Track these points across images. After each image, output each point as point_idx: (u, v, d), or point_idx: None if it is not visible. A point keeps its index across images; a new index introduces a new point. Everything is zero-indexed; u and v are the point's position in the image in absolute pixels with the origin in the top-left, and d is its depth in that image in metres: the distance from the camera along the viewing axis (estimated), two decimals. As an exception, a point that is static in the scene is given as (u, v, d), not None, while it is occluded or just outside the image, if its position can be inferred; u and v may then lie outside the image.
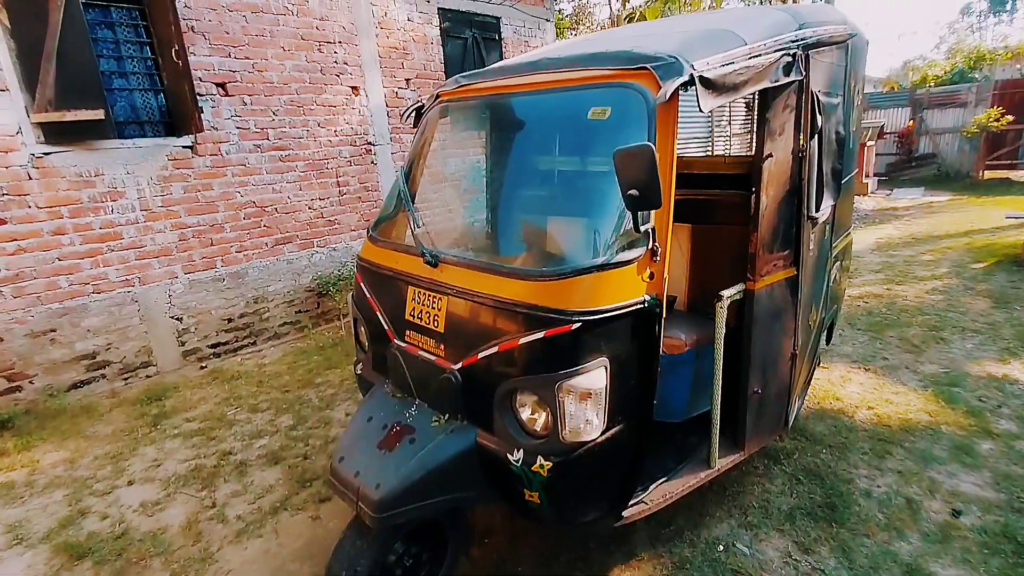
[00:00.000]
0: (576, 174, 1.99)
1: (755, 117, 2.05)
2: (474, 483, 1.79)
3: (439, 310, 1.87)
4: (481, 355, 1.73)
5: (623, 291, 1.60)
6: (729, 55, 1.79)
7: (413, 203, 2.20)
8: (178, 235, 4.55)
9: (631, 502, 1.99)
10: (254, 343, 5.14)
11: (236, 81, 4.68)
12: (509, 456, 1.68)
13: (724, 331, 2.15)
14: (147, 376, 4.53)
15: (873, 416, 3.34)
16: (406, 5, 5.72)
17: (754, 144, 2.11)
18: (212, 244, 4.75)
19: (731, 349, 2.22)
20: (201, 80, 4.47)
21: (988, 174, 11.71)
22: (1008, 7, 25.40)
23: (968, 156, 11.95)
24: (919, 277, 5.90)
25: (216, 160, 4.66)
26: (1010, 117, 10.78)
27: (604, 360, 1.58)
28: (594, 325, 1.55)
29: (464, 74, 2.36)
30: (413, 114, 2.47)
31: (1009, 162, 11.54)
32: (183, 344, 4.71)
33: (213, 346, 4.89)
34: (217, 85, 4.58)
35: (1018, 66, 13.25)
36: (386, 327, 2.13)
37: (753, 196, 2.12)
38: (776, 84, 1.94)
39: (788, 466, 2.91)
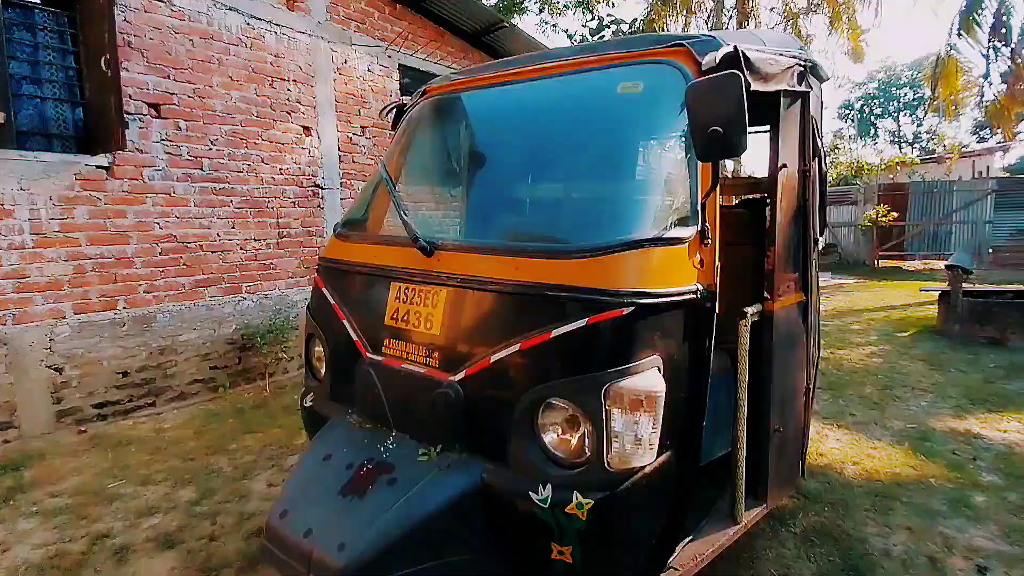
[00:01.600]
0: (605, 148, 1.75)
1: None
2: (478, 540, 1.32)
3: (434, 307, 1.48)
4: (495, 358, 1.34)
5: (675, 275, 1.32)
6: (757, 47, 1.70)
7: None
8: (74, 266, 3.81)
9: (664, 568, 1.58)
10: (152, 404, 4.26)
11: (172, 104, 4.24)
12: (532, 495, 1.25)
13: (748, 354, 1.91)
14: (4, 441, 3.54)
15: (862, 471, 3.18)
16: (367, 57, 5.67)
17: (768, 155, 2.00)
18: (116, 280, 4.02)
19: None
20: (131, 98, 4.00)
21: (882, 263, 13.14)
22: (871, 133, 30.64)
23: (864, 247, 13.43)
24: (856, 343, 6.16)
25: (136, 185, 4.08)
26: (895, 214, 12.35)
27: (657, 360, 1.26)
28: (648, 311, 1.24)
29: (456, 71, 2.16)
30: (393, 111, 2.20)
31: (898, 253, 13.05)
32: (59, 401, 3.78)
33: (99, 406, 3.98)
34: (149, 105, 4.11)
35: (891, 176, 15.48)
36: (355, 338, 1.69)
37: (769, 208, 1.99)
38: (792, 89, 1.89)
39: (795, 526, 2.62)
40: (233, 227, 4.68)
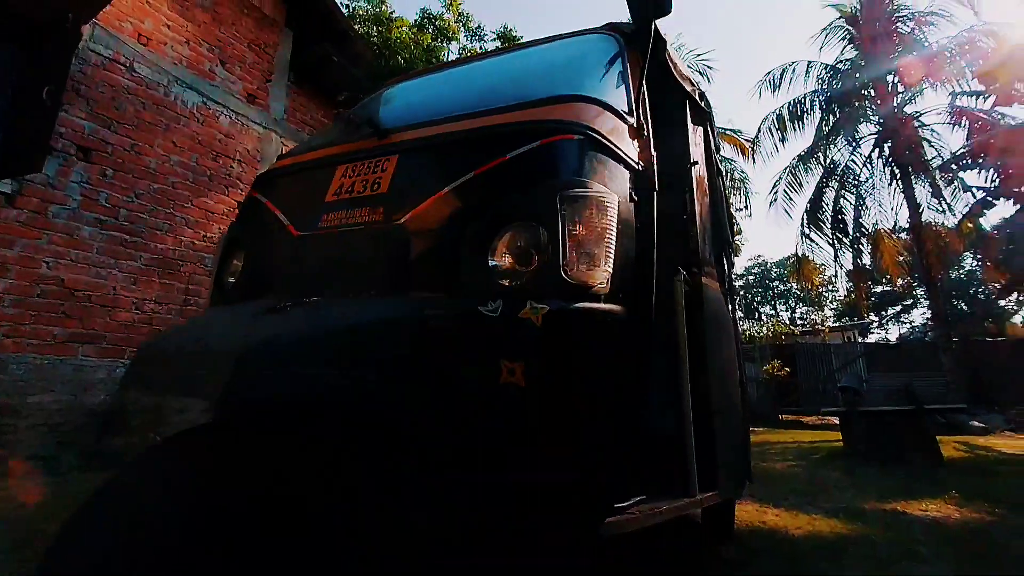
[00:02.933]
0: (554, 65, 1.87)
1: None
2: (413, 371, 1.08)
3: (383, 171, 1.42)
4: (447, 190, 1.27)
5: (619, 139, 1.41)
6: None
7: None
8: (-79, 289, 3.22)
9: (618, 507, 1.36)
10: (-39, 480, 3.29)
11: (104, 152, 4.16)
12: (480, 308, 1.09)
13: (685, 315, 1.92)
14: None
15: (806, 532, 3.02)
16: (315, 157, 6.03)
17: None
18: (-29, 314, 3.41)
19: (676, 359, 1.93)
20: (62, 136, 3.90)
21: (785, 417, 13.97)
22: (755, 316, 35.21)
23: (768, 400, 14.35)
24: (776, 460, 6.27)
25: (35, 219, 3.74)
26: (787, 369, 13.60)
27: (607, 190, 1.27)
28: (600, 148, 1.29)
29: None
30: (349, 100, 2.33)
31: (797, 408, 14.01)
32: None
33: None
34: (79, 148, 4.01)
35: (777, 342, 17.48)
36: (287, 222, 1.54)
37: (688, 195, 2.20)
38: (696, 99, 2.26)
39: (754, 568, 2.35)
40: (134, 283, 4.27)
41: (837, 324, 21.49)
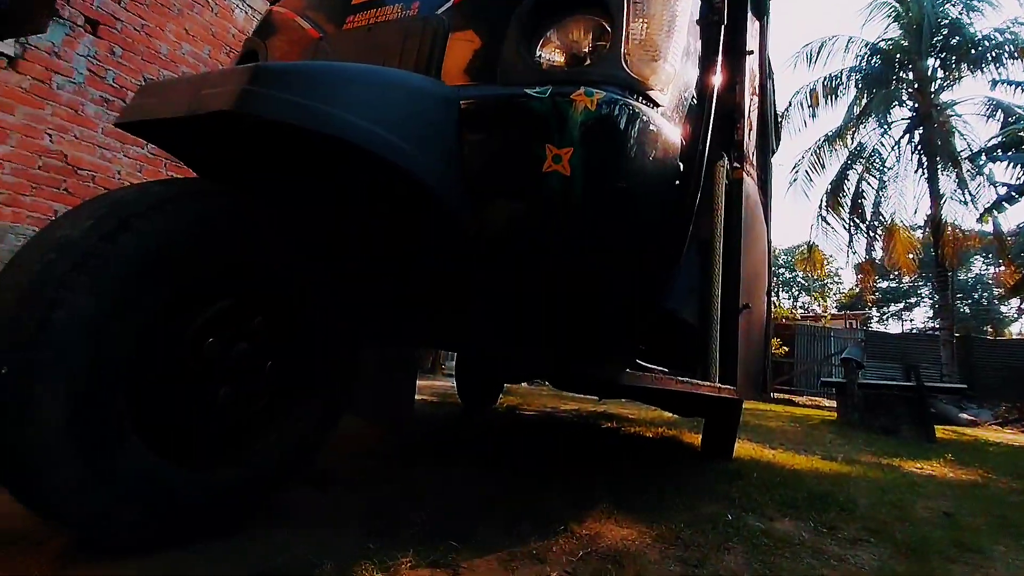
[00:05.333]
0: None
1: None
2: (448, 157, 0.97)
3: (421, -28, 1.29)
4: None
5: None
6: None
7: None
8: (-82, 141, 3.10)
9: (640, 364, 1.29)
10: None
11: (114, 29, 3.96)
12: (528, 91, 0.97)
13: (723, 204, 1.80)
14: None
15: (805, 467, 3.01)
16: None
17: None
18: (-31, 176, 3.29)
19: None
20: (69, 3, 3.69)
21: (777, 395, 14.06)
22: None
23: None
24: (771, 424, 6.27)
25: (39, 88, 3.57)
26: (785, 348, 13.60)
27: None
28: None
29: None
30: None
31: (788, 387, 14.09)
32: None
33: None
34: (87, 19, 3.81)
35: (777, 323, 17.46)
36: (307, 27, 1.42)
37: (738, 84, 2.05)
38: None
39: (754, 480, 2.31)
40: (140, 171, 4.14)
41: (839, 313, 21.46)
